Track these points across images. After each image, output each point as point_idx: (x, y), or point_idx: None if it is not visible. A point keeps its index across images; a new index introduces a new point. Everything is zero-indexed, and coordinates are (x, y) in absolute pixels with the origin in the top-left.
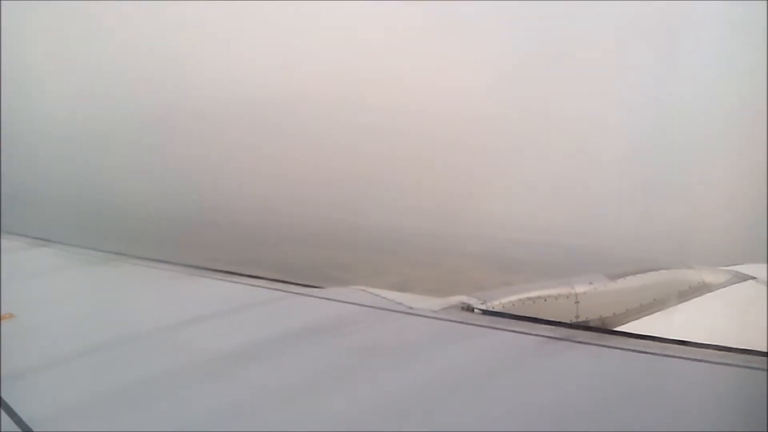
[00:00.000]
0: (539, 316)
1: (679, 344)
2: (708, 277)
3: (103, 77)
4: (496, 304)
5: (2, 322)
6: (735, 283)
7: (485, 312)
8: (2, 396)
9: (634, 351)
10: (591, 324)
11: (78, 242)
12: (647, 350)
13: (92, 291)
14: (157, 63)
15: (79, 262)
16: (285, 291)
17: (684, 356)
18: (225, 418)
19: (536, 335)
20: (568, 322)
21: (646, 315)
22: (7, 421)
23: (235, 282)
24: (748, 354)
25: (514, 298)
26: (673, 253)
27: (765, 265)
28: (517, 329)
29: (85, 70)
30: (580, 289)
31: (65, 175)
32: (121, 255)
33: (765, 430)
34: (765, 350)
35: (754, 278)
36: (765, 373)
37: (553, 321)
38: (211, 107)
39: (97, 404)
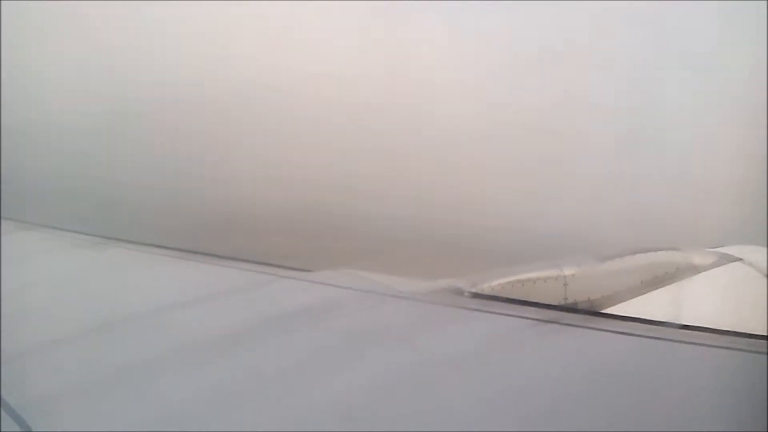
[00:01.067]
0: (528, 299)
1: (667, 326)
2: (695, 258)
3: (94, 71)
4: (485, 287)
5: None
6: (722, 265)
7: (475, 295)
8: None
9: (622, 333)
10: (580, 306)
11: (63, 225)
12: (636, 332)
13: (78, 275)
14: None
15: (65, 245)
16: (274, 275)
17: (672, 338)
18: (215, 403)
19: (525, 318)
20: (557, 304)
21: (635, 297)
22: None
23: (224, 266)
24: (737, 336)
25: (503, 280)
26: (659, 238)
27: (752, 246)
28: (506, 312)
29: (79, 63)
30: (568, 271)
31: (49, 159)
32: (108, 238)
33: (753, 410)
34: (753, 332)
35: (740, 259)
36: (753, 354)
37: (542, 303)
38: (203, 98)
39: (86, 390)
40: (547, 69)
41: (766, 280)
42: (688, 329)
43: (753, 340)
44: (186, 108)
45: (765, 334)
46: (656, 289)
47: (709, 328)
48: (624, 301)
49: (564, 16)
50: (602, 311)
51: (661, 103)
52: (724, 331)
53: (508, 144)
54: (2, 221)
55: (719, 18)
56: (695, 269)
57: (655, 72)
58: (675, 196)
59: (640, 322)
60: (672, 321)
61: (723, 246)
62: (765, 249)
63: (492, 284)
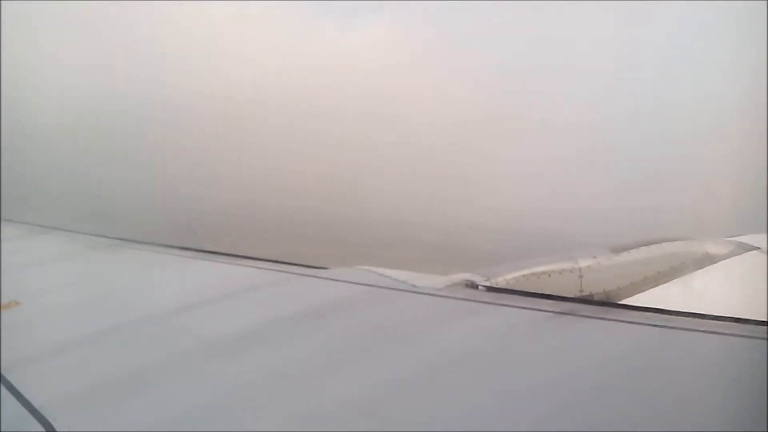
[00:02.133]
0: (543, 292)
1: (684, 316)
2: (711, 248)
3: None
4: (500, 281)
5: (7, 309)
6: (739, 254)
7: (489, 288)
8: (11, 382)
9: (639, 324)
10: (595, 298)
11: (78, 228)
12: (652, 323)
13: (96, 276)
14: (151, 60)
15: (81, 247)
16: (290, 272)
17: (689, 328)
18: (236, 399)
19: (541, 310)
20: (573, 296)
21: (651, 287)
22: (17, 407)
23: (240, 265)
24: (754, 324)
25: (517, 274)
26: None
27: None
28: (521, 305)
29: (89, 67)
30: (584, 263)
31: (64, 164)
32: (124, 240)
33: None
34: None
35: (757, 248)
36: None
37: (557, 296)
38: (210, 101)
39: (107, 388)
40: (548, 70)
41: None
42: (705, 318)
43: None
44: (195, 111)
45: None
46: (673, 279)
47: (727, 317)
48: (640, 291)
49: (564, 16)
50: (618, 302)
51: (669, 99)
52: (743, 320)
53: (519, 140)
54: (20, 225)
55: (719, 18)
56: (712, 259)
57: (660, 70)
58: (688, 188)
59: (657, 313)
60: (689, 311)
61: (739, 235)
62: None
63: (507, 277)
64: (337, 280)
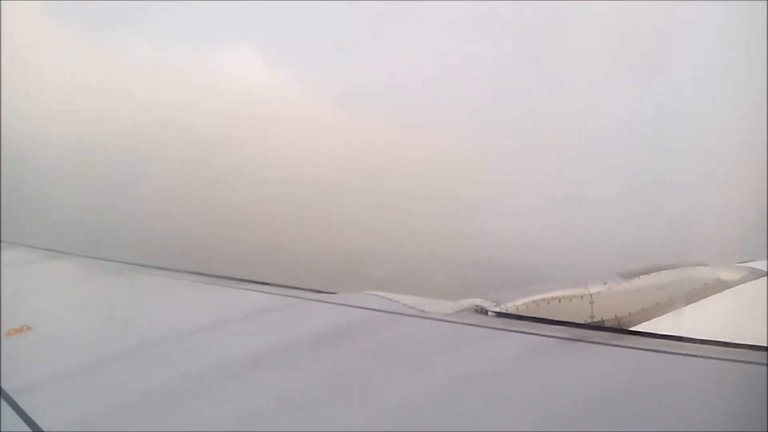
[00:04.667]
0: (554, 318)
1: (696, 343)
2: (723, 274)
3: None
4: (509, 306)
5: (19, 334)
6: (751, 280)
7: (499, 314)
8: (22, 407)
9: (650, 350)
10: (606, 324)
11: (90, 253)
12: (664, 349)
13: (108, 301)
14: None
15: (93, 272)
16: (298, 297)
17: (701, 355)
18: (243, 424)
19: (551, 336)
20: (583, 322)
21: (662, 314)
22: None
23: (248, 289)
24: (766, 351)
25: (527, 299)
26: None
27: None
28: (531, 331)
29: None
30: (594, 289)
31: (74, 188)
32: (135, 265)
33: None
34: None
35: None
36: None
37: (567, 322)
38: (214, 117)
39: (118, 412)
40: (550, 73)
41: None
42: (717, 345)
43: None
44: (196, 135)
45: None
46: (685, 305)
47: (739, 344)
48: (651, 318)
49: (564, 17)
50: (630, 328)
51: (668, 109)
52: (755, 346)
53: (527, 158)
54: (32, 249)
55: (719, 18)
56: (724, 285)
57: (659, 75)
58: (700, 209)
59: (669, 339)
60: (701, 337)
61: (751, 261)
62: None
63: (516, 303)
64: (345, 305)
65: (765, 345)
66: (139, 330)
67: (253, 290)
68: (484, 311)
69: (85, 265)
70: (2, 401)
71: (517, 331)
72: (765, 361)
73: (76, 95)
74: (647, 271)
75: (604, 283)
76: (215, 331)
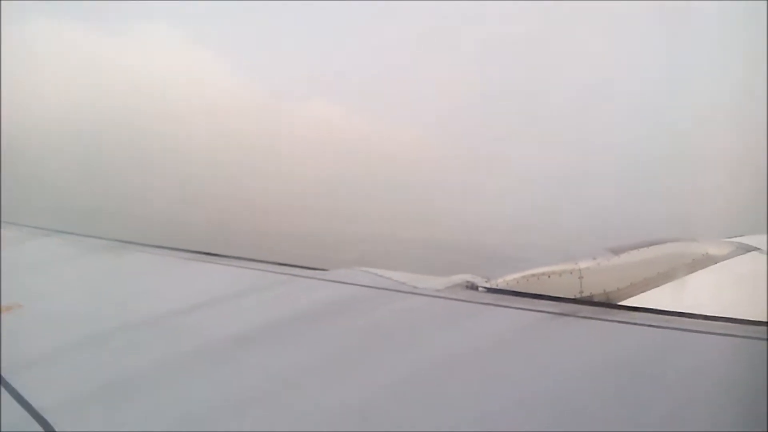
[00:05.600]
0: (544, 293)
1: (684, 317)
2: (712, 249)
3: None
4: (500, 282)
5: (9, 312)
6: (739, 255)
7: (489, 290)
8: (12, 385)
9: (639, 324)
10: (595, 299)
11: (79, 231)
12: (652, 323)
13: (98, 278)
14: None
15: (82, 250)
16: (290, 274)
17: (689, 329)
18: (235, 401)
19: (541, 311)
20: (573, 297)
21: (651, 288)
22: (18, 410)
23: (238, 266)
24: (754, 325)
25: (517, 275)
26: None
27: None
28: (521, 306)
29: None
30: (583, 264)
31: (63, 166)
32: (125, 242)
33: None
34: None
35: (757, 249)
36: None
37: (557, 297)
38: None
39: (107, 390)
40: (552, 69)
41: None
42: (705, 319)
43: None
44: (186, 113)
45: None
46: (673, 280)
47: (726, 318)
48: (640, 293)
49: (564, 17)
50: (619, 303)
51: (665, 100)
52: (743, 320)
53: (516, 141)
54: (19, 227)
55: (720, 18)
56: (712, 259)
57: (657, 71)
58: (688, 188)
59: (657, 314)
60: (689, 312)
61: (739, 236)
62: None
63: (507, 279)
64: (337, 282)
65: (753, 319)
66: (126, 308)
67: (244, 267)
68: (474, 287)
69: (72, 242)
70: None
71: (508, 307)
72: (752, 335)
73: None
74: (636, 247)
75: (594, 259)
76: (206, 308)
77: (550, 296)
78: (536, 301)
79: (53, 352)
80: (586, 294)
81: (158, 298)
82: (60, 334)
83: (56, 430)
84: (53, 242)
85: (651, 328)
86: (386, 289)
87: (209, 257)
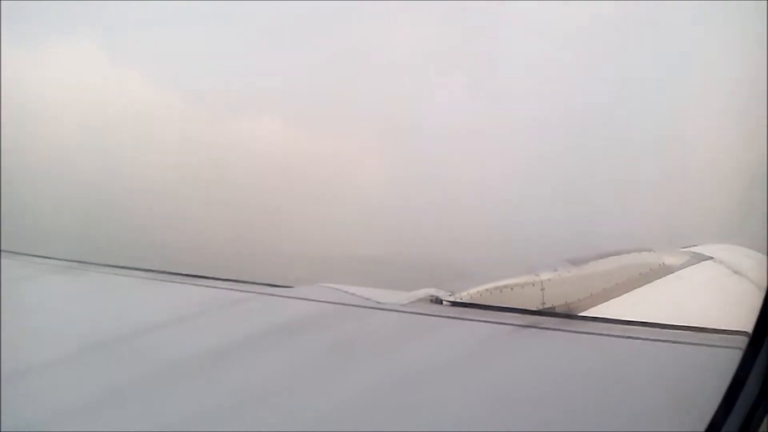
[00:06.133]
0: (507, 305)
1: (641, 326)
2: (668, 259)
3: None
4: (464, 295)
5: None
6: (694, 264)
7: (454, 303)
8: None
9: (599, 335)
10: (557, 310)
11: (37, 251)
12: (612, 333)
13: (57, 301)
14: None
15: (41, 271)
16: (253, 292)
17: (647, 337)
18: (201, 420)
19: (505, 324)
20: (535, 309)
21: (611, 299)
22: None
23: (202, 285)
24: (711, 333)
25: (481, 288)
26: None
27: (723, 245)
28: (485, 319)
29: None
30: (545, 276)
31: (22, 184)
32: (83, 263)
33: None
34: (726, 328)
35: (711, 258)
36: (725, 350)
37: (520, 309)
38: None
39: (72, 413)
40: (547, 71)
41: (736, 277)
42: (663, 328)
43: (725, 336)
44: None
45: (737, 329)
46: (631, 290)
47: (684, 326)
48: (600, 303)
49: (564, 18)
50: (580, 314)
51: (637, 103)
52: (698, 328)
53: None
54: None
55: (719, 18)
56: (668, 269)
57: (652, 72)
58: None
59: (617, 323)
60: (647, 320)
61: (694, 246)
62: (734, 247)
63: (470, 292)
64: (302, 299)
65: (708, 327)
66: (88, 329)
67: (207, 286)
68: (439, 301)
69: (27, 263)
70: None
71: (472, 320)
72: (711, 342)
73: None
74: (595, 258)
75: (555, 270)
76: (169, 327)
77: (513, 308)
78: (500, 313)
79: (15, 373)
80: (548, 305)
81: (118, 318)
82: (21, 356)
83: None
84: (10, 264)
85: (610, 338)
86: (351, 305)
87: (171, 276)
